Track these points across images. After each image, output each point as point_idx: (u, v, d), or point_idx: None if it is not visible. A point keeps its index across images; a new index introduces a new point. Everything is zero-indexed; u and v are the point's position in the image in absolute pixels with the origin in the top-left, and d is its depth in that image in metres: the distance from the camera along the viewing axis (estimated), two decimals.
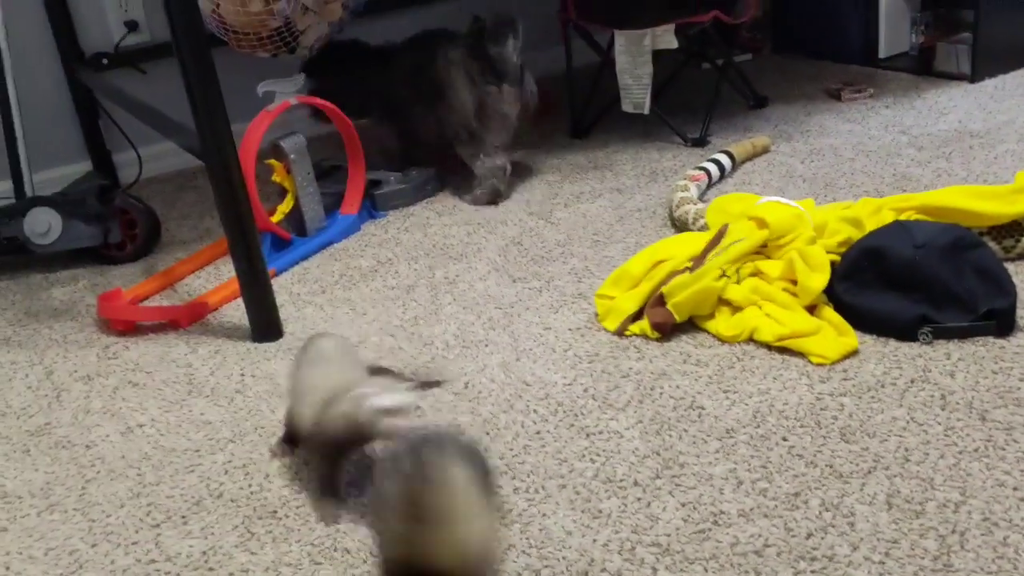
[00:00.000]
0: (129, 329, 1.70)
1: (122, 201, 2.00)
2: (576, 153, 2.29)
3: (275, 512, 1.19)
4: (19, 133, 2.04)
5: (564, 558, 1.06)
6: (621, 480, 1.17)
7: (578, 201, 2.02)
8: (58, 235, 1.94)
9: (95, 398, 1.50)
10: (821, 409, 1.25)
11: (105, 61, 2.33)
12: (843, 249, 1.48)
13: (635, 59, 2.16)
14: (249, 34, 1.94)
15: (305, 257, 1.92)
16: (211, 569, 1.11)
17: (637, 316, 1.49)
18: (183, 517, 1.20)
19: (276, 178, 1.92)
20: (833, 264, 1.46)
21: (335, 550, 1.11)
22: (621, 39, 2.17)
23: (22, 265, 2.02)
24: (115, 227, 1.97)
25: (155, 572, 1.11)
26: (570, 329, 1.53)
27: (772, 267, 1.49)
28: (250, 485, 1.25)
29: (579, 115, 2.38)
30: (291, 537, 1.15)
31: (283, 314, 1.66)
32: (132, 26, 2.37)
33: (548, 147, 2.34)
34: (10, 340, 1.72)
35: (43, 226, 1.94)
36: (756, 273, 1.50)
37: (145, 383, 1.53)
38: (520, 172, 2.20)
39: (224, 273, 1.89)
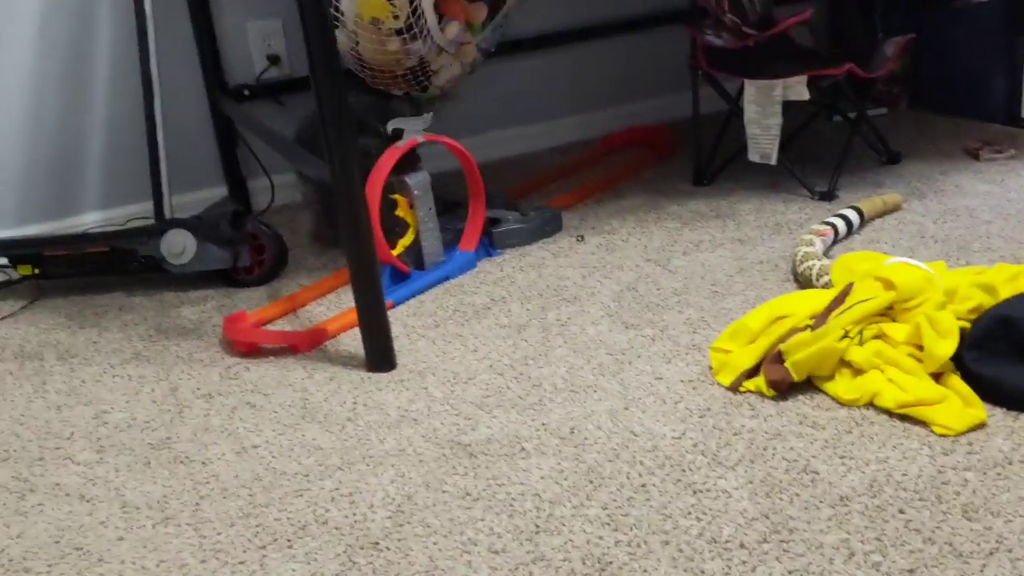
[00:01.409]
0: (251, 351, 1.76)
1: (253, 227, 2.08)
2: (698, 200, 2.26)
3: (377, 543, 1.20)
4: (162, 157, 2.15)
5: None
6: (727, 541, 1.14)
7: (697, 249, 1.99)
8: (192, 256, 2.03)
9: (214, 416, 1.55)
10: (943, 483, 1.19)
11: (247, 92, 2.44)
12: (974, 316, 1.42)
13: (764, 109, 2.13)
14: (385, 72, 2.00)
15: (422, 291, 1.95)
16: None
17: (753, 372, 1.46)
18: (288, 541, 1.23)
19: (399, 212, 1.96)
20: (963, 331, 1.39)
21: None
22: (751, 88, 2.14)
23: (157, 284, 2.12)
24: (244, 251, 2.05)
25: None
26: (682, 381, 1.50)
27: (898, 330, 1.44)
28: (355, 514, 1.27)
29: (703, 163, 2.36)
30: (391, 569, 1.15)
31: (397, 346, 1.68)
32: (274, 60, 2.47)
33: (670, 193, 2.33)
34: (140, 355, 1.80)
35: (179, 247, 2.03)
36: (880, 336, 1.44)
37: (262, 405, 1.58)
38: (639, 217, 2.19)
39: (344, 302, 1.94)
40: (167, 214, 2.12)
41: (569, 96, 2.75)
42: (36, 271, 2.09)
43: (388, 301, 1.82)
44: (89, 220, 2.39)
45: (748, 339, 1.51)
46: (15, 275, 2.12)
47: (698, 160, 2.37)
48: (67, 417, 1.59)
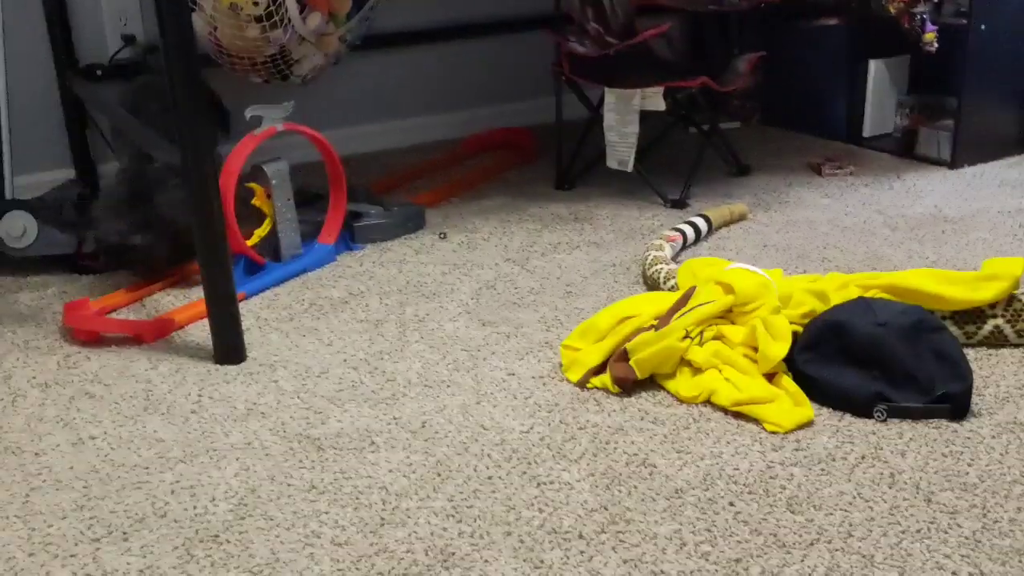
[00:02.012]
0: (93, 340, 1.69)
1: (100, 211, 2.00)
2: (558, 204, 2.31)
3: (217, 536, 1.18)
4: (4, 135, 2.04)
5: None
6: (566, 532, 1.17)
7: (555, 251, 2.03)
8: (33, 239, 1.94)
9: (50, 406, 1.49)
10: (770, 477, 1.26)
11: (99, 72, 2.35)
12: (806, 321, 1.50)
13: (623, 117, 2.20)
14: (244, 58, 1.96)
15: (277, 283, 1.92)
16: None
17: (600, 369, 1.50)
18: (124, 533, 1.19)
19: (256, 202, 1.92)
20: (795, 335, 1.47)
21: None
22: (611, 97, 2.20)
23: None
24: (90, 237, 1.97)
25: None
26: (533, 377, 1.53)
27: (735, 332, 1.50)
28: (195, 507, 1.24)
29: (564, 167, 2.41)
30: (231, 562, 1.14)
31: (248, 338, 1.66)
32: (129, 39, 2.38)
33: (531, 196, 2.37)
34: None
35: (18, 229, 1.93)
36: (719, 337, 1.51)
37: (102, 395, 1.52)
38: (501, 217, 2.22)
39: (194, 292, 1.89)
40: (8, 194, 2.02)
41: (436, 94, 2.76)
42: None
43: (241, 292, 1.79)
44: None
45: (596, 338, 1.55)
46: None
47: (559, 164, 2.42)
48: None
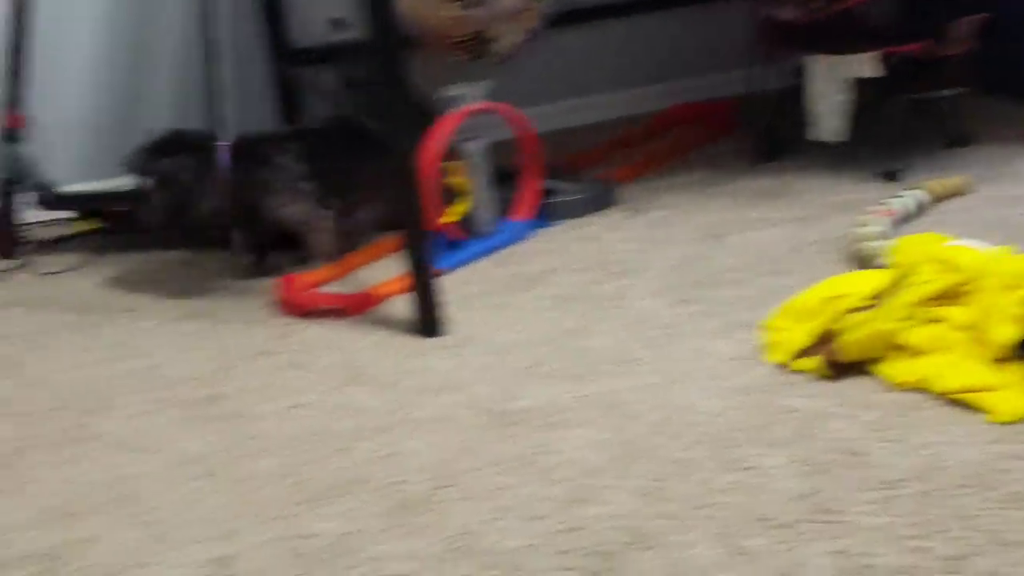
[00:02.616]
0: (303, 312, 1.77)
1: None
2: (757, 178, 2.22)
3: (414, 505, 1.21)
4: (224, 118, 2.17)
5: None
6: (768, 519, 1.12)
7: (754, 228, 1.96)
8: None
9: (262, 375, 1.57)
10: (993, 471, 1.16)
11: (309, 56, 2.45)
12: None
13: (830, 86, 2.08)
14: (442, 38, 2.00)
15: (473, 259, 1.95)
16: (350, 550, 1.14)
17: (805, 352, 1.43)
18: (329, 499, 1.24)
19: (454, 180, 1.96)
20: None
21: (469, 549, 1.12)
22: (817, 64, 2.09)
23: (216, 241, 2.13)
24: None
25: (297, 547, 1.15)
26: (732, 358, 1.48)
27: (957, 314, 1.39)
28: (393, 475, 1.27)
29: (763, 140, 2.31)
30: (428, 531, 1.16)
31: (445, 313, 1.68)
32: (339, 23, 2.46)
33: (727, 170, 2.28)
34: (195, 311, 1.82)
35: None
36: (938, 319, 1.40)
37: (310, 365, 1.59)
38: (696, 193, 2.16)
39: (395, 267, 1.94)
40: None
41: (629, 68, 2.71)
42: (101, 225, 2.13)
43: (438, 268, 1.82)
44: None
45: (802, 318, 1.48)
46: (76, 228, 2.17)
47: (758, 137, 2.32)
48: (121, 369, 1.63)
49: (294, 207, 1.86)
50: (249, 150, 1.85)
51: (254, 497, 1.26)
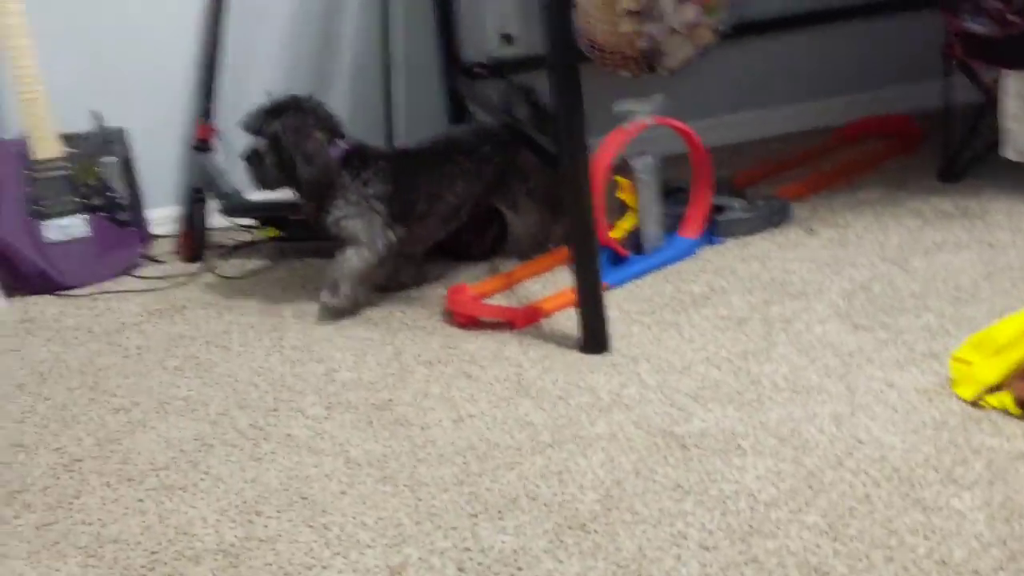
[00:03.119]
0: (471, 323, 1.80)
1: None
2: (943, 198, 2.11)
3: (585, 525, 1.21)
4: (397, 130, 2.24)
5: None
6: (958, 565, 1.06)
7: (940, 250, 1.86)
8: None
9: (434, 383, 1.61)
10: None
11: (479, 70, 2.49)
12: None
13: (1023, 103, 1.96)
14: (615, 53, 1.99)
15: (639, 275, 1.93)
16: (520, 569, 1.14)
17: (998, 387, 1.35)
18: (499, 512, 1.25)
19: (621, 195, 1.95)
20: None
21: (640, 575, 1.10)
22: (1012, 79, 1.97)
23: None
24: (470, 226, 2.10)
25: (469, 560, 1.17)
26: (916, 390, 1.41)
27: None
28: (563, 493, 1.27)
29: (952, 157, 2.20)
30: (598, 553, 1.15)
31: (611, 329, 1.67)
32: (508, 39, 2.50)
33: (912, 188, 2.18)
34: (369, 319, 1.88)
35: None
36: None
37: (479, 376, 1.61)
38: (877, 211, 2.07)
39: (561, 281, 1.95)
40: None
41: (806, 81, 2.63)
42: (280, 233, 2.22)
43: (604, 283, 1.81)
44: None
45: (994, 351, 1.39)
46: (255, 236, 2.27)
47: (946, 154, 2.21)
48: (300, 372, 1.69)
49: (349, 222, 1.86)
50: (360, 158, 1.89)
51: (430, 505, 1.28)
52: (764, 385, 1.48)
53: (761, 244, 2.01)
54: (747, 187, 2.26)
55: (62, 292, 2.14)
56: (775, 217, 2.08)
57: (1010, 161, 2.02)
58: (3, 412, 1.65)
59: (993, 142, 2.07)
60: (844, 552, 1.10)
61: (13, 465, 1.48)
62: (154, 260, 2.28)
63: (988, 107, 2.10)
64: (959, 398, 1.37)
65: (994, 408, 1.33)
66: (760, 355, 1.57)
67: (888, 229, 1.99)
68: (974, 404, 1.35)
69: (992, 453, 1.24)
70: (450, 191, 1.92)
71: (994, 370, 1.36)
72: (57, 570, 1.23)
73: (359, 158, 1.89)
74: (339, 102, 2.50)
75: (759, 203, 2.09)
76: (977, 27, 2.04)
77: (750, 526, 1.17)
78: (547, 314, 1.81)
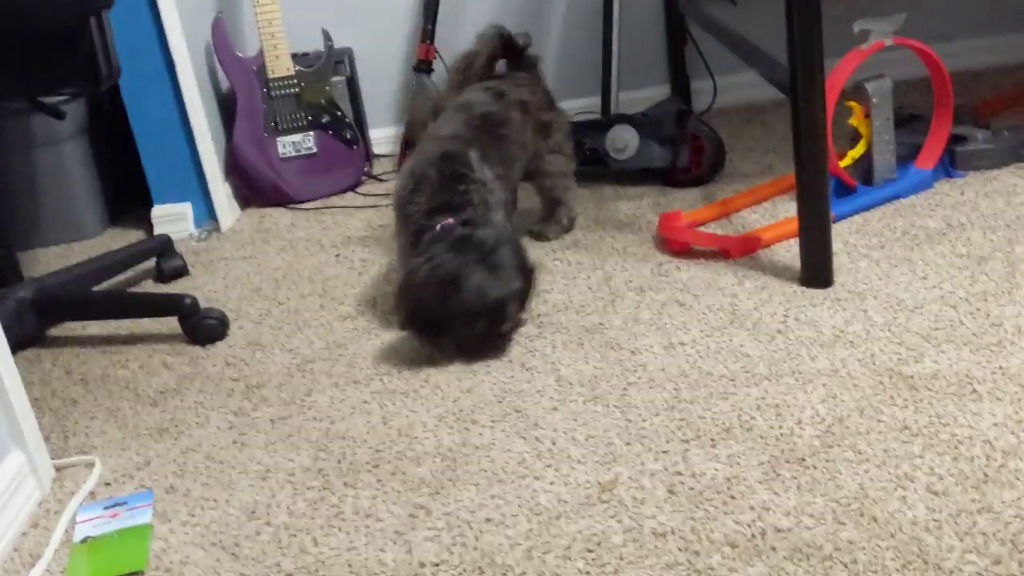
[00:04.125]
0: (683, 250, 1.76)
1: (694, 127, 2.07)
2: None
3: (803, 459, 1.17)
4: (615, 53, 2.20)
5: None
6: None
7: None
8: (634, 153, 2.07)
9: (644, 309, 1.59)
10: None
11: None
12: None
13: None
14: None
15: (868, 207, 1.82)
16: (732, 497, 1.12)
17: None
18: (712, 440, 1.23)
19: (853, 121, 1.83)
20: None
21: (861, 515, 1.06)
22: None
23: (597, 178, 2.19)
24: (684, 152, 2.05)
25: (680, 484, 1.16)
26: None
27: None
28: (781, 426, 1.24)
29: None
30: (816, 489, 1.11)
31: (835, 263, 1.60)
32: None
33: None
34: (579, 243, 1.88)
35: (622, 143, 2.08)
36: None
37: (691, 304, 1.58)
38: None
39: (780, 211, 1.87)
40: (613, 109, 2.17)
41: None
42: None
43: (831, 215, 1.73)
44: None
45: None
46: None
47: None
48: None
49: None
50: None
51: (640, 427, 1.28)
52: (1006, 329, 1.37)
53: (1006, 178, 1.85)
54: (991, 116, 2.08)
55: (293, 205, 2.26)
56: (1021, 149, 1.91)
57: None
58: (242, 313, 1.77)
59: None
60: None
61: (251, 363, 1.59)
62: (376, 178, 2.37)
63: None
64: None
65: None
66: (1002, 296, 1.45)
67: None
68: None
69: None
70: None
71: None
72: (291, 460, 1.32)
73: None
74: (556, 21, 2.49)
75: (1004, 133, 1.93)
76: None
77: (985, 474, 1.09)
78: (765, 245, 1.74)
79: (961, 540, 1.01)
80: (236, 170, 2.26)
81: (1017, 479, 1.08)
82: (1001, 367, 1.28)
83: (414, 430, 1.34)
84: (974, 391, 1.24)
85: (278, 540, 1.16)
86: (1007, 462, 1.11)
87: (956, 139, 1.92)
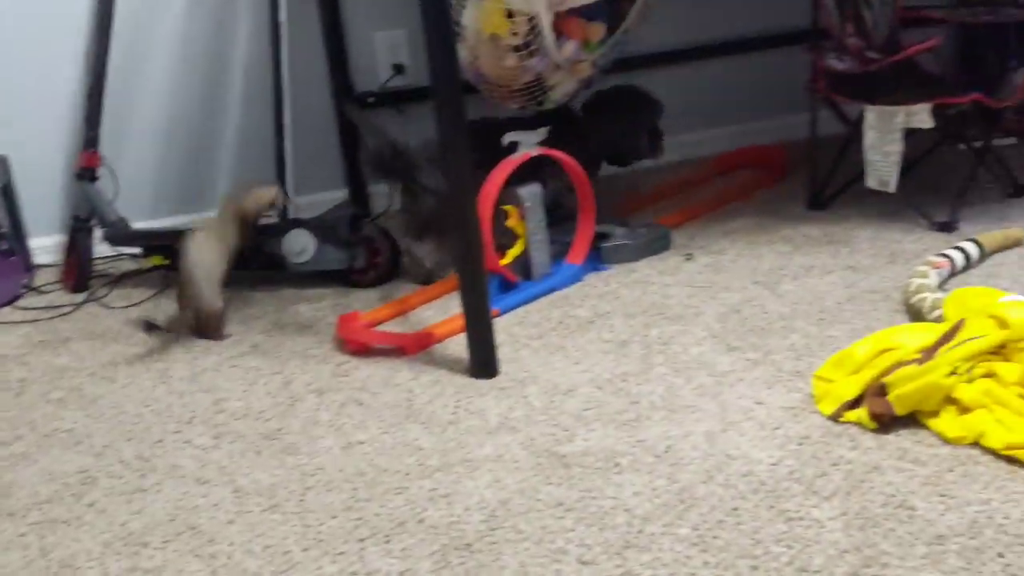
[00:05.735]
0: (362, 350, 1.82)
1: (369, 230, 2.15)
2: (811, 225, 2.23)
3: (470, 545, 1.25)
4: (288, 159, 2.25)
5: None
6: (816, 571, 1.14)
7: (808, 275, 1.97)
8: (311, 256, 2.12)
9: (323, 411, 1.62)
10: None
11: (371, 99, 2.52)
12: None
13: (884, 135, 2.10)
14: (502, 86, 2.05)
15: (529, 300, 1.99)
16: None
17: (855, 403, 1.44)
18: (386, 536, 1.28)
19: (509, 223, 2.00)
20: None
21: None
22: (871, 114, 2.11)
23: (277, 281, 2.21)
24: (360, 254, 2.13)
25: None
26: (783, 407, 1.50)
27: (1009, 370, 1.40)
28: (451, 515, 1.31)
29: (819, 187, 2.33)
30: (482, 572, 1.19)
31: (501, 353, 1.72)
32: (399, 69, 2.55)
33: (783, 216, 2.30)
34: (258, 347, 1.89)
35: (299, 246, 2.12)
36: (990, 375, 1.41)
37: (369, 403, 1.64)
38: (750, 238, 2.18)
39: (452, 307, 1.99)
40: (290, 214, 2.21)
41: (682, 114, 2.74)
42: (166, 261, 2.21)
43: (495, 309, 1.86)
44: None
45: (852, 369, 1.50)
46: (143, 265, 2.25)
47: (813, 184, 2.34)
48: (187, 403, 1.69)
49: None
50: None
51: (317, 531, 1.30)
52: (643, 405, 1.55)
53: (643, 270, 2.09)
54: (629, 215, 2.35)
55: None
56: (656, 244, 2.17)
57: (873, 190, 2.16)
58: None
59: (857, 172, 2.20)
60: (712, 563, 1.17)
61: None
62: (37, 290, 2.24)
63: (851, 139, 2.24)
64: (821, 414, 1.46)
65: (852, 423, 1.43)
66: (640, 376, 1.64)
67: (760, 255, 2.10)
68: (834, 419, 1.44)
69: (850, 465, 1.33)
70: None
71: (852, 387, 1.46)
72: None
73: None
74: (229, 131, 2.51)
75: (641, 230, 2.18)
76: (839, 64, 2.17)
77: (626, 540, 1.23)
78: (439, 340, 1.84)
79: None
80: None
81: (652, 542, 1.22)
82: (640, 440, 1.45)
83: (76, 560, 1.28)
84: (617, 464, 1.39)
85: None
86: (644, 527, 1.25)
87: (601, 236, 2.15)
